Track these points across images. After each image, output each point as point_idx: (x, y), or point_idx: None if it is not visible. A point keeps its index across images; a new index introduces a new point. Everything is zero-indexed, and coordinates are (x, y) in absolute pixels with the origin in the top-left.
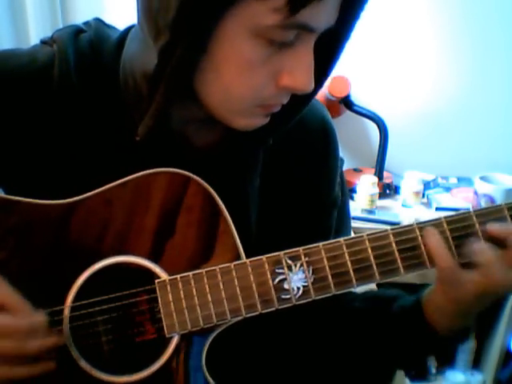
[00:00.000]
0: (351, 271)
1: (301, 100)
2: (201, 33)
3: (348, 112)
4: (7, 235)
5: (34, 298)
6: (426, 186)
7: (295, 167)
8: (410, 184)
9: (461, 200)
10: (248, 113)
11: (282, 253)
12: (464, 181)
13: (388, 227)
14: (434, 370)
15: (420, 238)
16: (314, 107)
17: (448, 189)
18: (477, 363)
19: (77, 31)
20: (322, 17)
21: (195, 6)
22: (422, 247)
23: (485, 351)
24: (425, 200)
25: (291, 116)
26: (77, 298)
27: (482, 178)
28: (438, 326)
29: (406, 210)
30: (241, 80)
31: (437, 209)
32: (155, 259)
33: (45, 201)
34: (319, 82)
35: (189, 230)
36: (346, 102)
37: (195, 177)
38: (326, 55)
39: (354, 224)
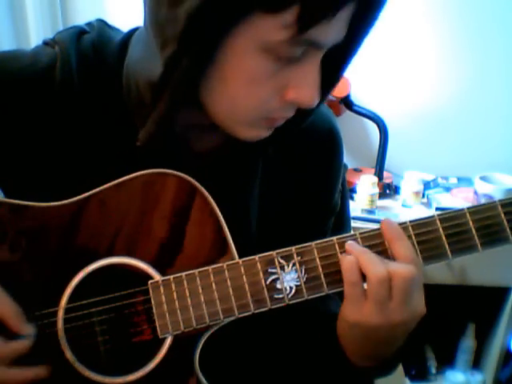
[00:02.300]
0: None
1: (304, 111)
2: (208, 46)
3: (348, 112)
4: (17, 233)
5: (34, 298)
6: (426, 186)
7: (297, 172)
8: (410, 184)
9: (461, 200)
10: (252, 124)
11: (274, 252)
12: (464, 181)
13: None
14: (434, 370)
15: (414, 237)
16: (322, 113)
17: (448, 189)
18: (477, 363)
19: (79, 32)
20: (331, 34)
21: (204, 20)
22: (415, 245)
23: (485, 351)
24: (425, 200)
25: (293, 126)
26: (72, 300)
27: (482, 178)
28: (348, 351)
29: (406, 210)
30: (247, 92)
31: (437, 209)
32: (160, 261)
33: (49, 203)
34: (325, 94)
35: (195, 232)
36: (346, 102)
37: (193, 180)
38: (333, 67)
39: (354, 224)
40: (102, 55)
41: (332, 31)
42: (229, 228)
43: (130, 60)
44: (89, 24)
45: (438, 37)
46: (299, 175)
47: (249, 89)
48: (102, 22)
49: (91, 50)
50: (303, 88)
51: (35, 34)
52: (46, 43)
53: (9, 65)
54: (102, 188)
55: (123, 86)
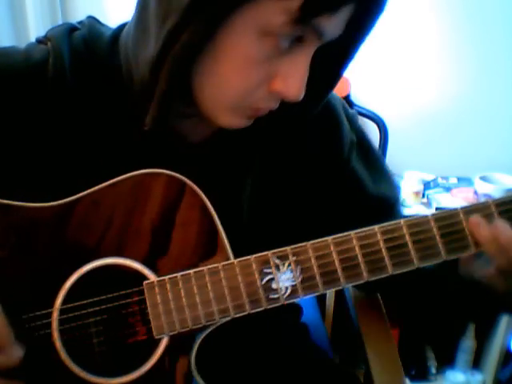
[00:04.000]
0: (339, 270)
1: (304, 107)
2: (210, 22)
3: None
4: (9, 234)
5: (28, 299)
6: (426, 186)
7: (299, 154)
8: (410, 184)
9: (461, 200)
10: (235, 111)
11: (269, 252)
12: (464, 181)
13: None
14: (434, 370)
15: (407, 235)
16: None
17: (448, 189)
18: (477, 363)
19: (70, 29)
20: (331, 26)
21: None
22: (410, 245)
23: (485, 351)
24: (425, 200)
25: (295, 121)
26: (66, 301)
27: (482, 178)
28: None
29: (406, 210)
30: (237, 76)
31: (437, 209)
32: (150, 261)
33: (39, 204)
34: (324, 94)
35: (185, 231)
36: (346, 102)
37: (187, 180)
38: (332, 68)
39: None
40: (93, 49)
41: (331, 24)
42: (221, 221)
43: (126, 49)
44: (80, 22)
45: (438, 36)
46: (302, 156)
47: (240, 72)
48: (92, 19)
49: (83, 45)
50: (290, 80)
51: (35, 33)
52: (38, 41)
53: (1, 61)
54: (94, 189)
55: (123, 76)
